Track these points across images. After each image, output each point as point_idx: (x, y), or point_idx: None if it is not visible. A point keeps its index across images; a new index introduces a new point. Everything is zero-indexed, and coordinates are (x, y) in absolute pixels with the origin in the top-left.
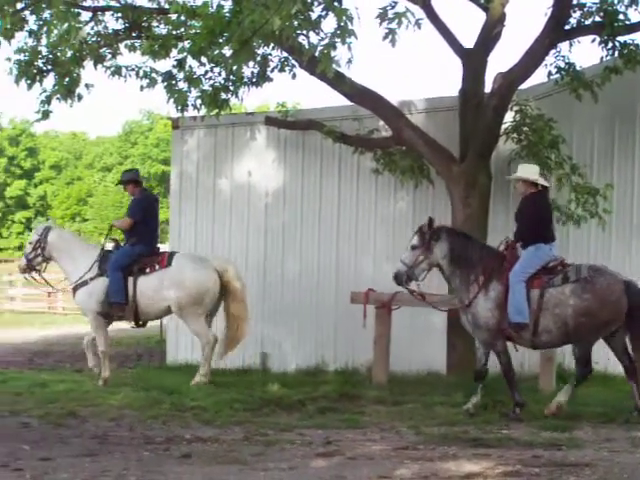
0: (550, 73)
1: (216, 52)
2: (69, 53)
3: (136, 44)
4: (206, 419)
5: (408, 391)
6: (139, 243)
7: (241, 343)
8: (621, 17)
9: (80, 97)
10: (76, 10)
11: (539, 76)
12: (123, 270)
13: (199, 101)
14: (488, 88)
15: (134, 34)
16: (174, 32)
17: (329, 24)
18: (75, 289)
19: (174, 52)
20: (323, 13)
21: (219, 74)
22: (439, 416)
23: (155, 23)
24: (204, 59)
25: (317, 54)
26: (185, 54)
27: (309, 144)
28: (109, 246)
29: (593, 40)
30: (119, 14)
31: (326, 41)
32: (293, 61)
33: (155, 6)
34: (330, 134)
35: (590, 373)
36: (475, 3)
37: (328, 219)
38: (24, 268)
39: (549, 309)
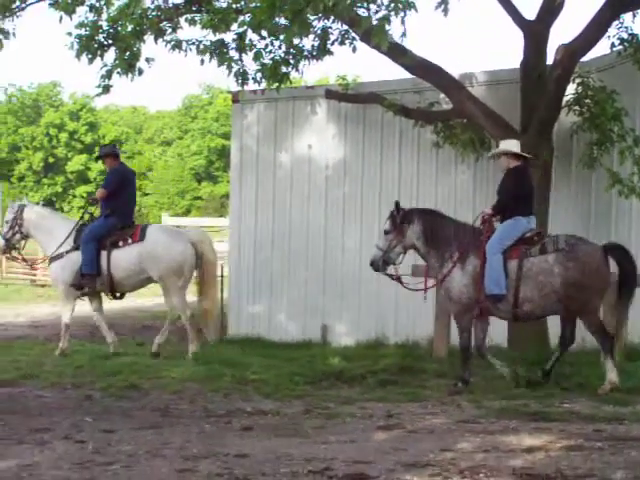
0: (613, 45)
1: (273, 23)
2: (129, 27)
3: (196, 18)
4: (267, 392)
5: None
6: (113, 215)
7: (300, 315)
8: None
9: (141, 71)
10: None
11: (602, 48)
12: (97, 241)
13: (259, 74)
14: (550, 60)
15: (194, 8)
16: (234, 5)
17: None
18: (50, 262)
19: (234, 25)
20: None
21: (279, 47)
22: (500, 390)
23: None
24: (264, 32)
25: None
26: (245, 27)
27: (369, 117)
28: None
29: None
30: None
31: (380, 14)
32: (353, 34)
33: None
34: (391, 107)
35: (612, 339)
36: None
37: (389, 192)
38: (3, 249)
39: (531, 278)
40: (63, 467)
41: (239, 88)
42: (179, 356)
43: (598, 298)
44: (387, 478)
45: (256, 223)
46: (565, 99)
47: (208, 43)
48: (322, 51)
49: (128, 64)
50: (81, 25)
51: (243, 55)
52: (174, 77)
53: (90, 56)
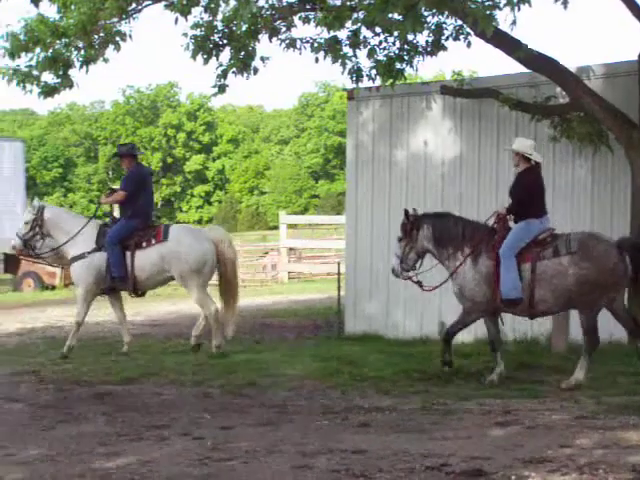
0: None
1: (387, 18)
2: (244, 27)
3: (310, 16)
4: (384, 389)
5: None
6: (135, 217)
7: (417, 312)
8: None
9: (256, 70)
10: None
11: None
12: (121, 243)
13: (373, 71)
14: None
15: (308, 6)
16: (348, 3)
17: None
18: (72, 262)
19: (348, 23)
20: None
21: (393, 43)
22: (620, 385)
23: None
24: (378, 29)
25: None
26: (359, 24)
27: (485, 112)
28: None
29: None
30: None
31: (489, 2)
32: (468, 29)
33: None
34: (507, 102)
35: (598, 343)
36: None
37: (506, 187)
38: (21, 248)
39: (545, 280)
40: (182, 463)
41: (354, 85)
42: (296, 354)
43: (605, 297)
44: (504, 474)
45: (372, 221)
46: None
47: (322, 41)
48: (436, 47)
49: (243, 63)
50: (196, 26)
51: (357, 52)
52: (290, 76)
53: (205, 56)
